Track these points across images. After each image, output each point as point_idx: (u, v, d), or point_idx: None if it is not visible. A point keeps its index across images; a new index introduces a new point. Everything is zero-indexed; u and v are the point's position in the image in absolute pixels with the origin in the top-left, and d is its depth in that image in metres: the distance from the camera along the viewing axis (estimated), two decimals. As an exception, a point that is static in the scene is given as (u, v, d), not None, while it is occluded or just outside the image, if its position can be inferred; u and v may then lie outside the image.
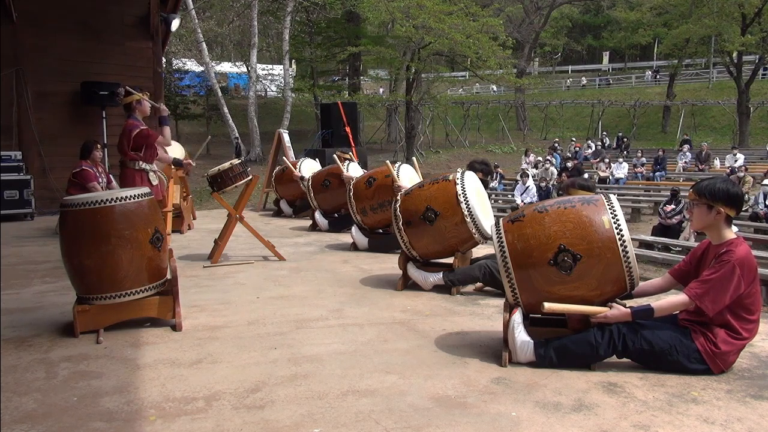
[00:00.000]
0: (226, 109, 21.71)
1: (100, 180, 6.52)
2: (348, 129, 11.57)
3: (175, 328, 3.42)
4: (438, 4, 20.49)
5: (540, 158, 20.46)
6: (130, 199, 3.27)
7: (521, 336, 2.86)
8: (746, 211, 11.83)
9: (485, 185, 4.74)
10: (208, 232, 7.05)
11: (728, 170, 16.08)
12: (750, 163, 18.28)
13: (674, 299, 2.74)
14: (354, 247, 6.08)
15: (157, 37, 10.14)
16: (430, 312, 3.83)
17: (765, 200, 11.94)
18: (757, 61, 27.03)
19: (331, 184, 7.30)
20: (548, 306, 2.74)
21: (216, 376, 2.76)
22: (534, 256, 2.82)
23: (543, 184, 15.52)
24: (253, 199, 9.72)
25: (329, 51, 26.71)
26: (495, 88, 39.94)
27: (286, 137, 10.38)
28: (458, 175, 4.32)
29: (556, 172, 16.80)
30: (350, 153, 8.81)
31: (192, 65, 27.76)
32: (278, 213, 9.20)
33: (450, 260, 4.41)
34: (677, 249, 10.32)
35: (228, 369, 2.84)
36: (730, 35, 24.17)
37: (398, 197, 4.46)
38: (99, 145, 6.84)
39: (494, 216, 4.38)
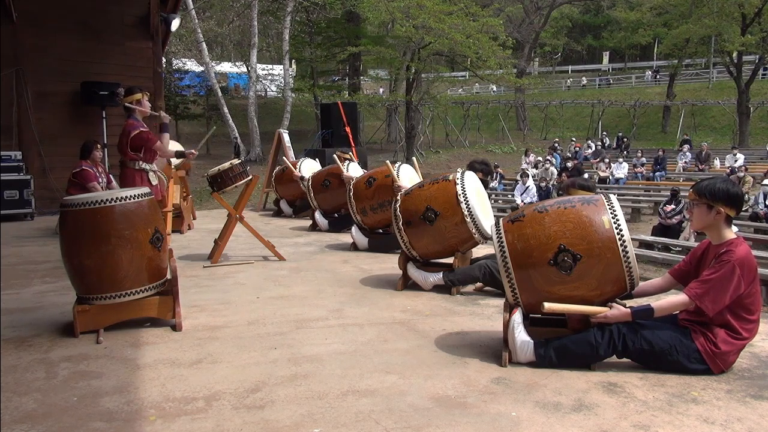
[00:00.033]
0: (226, 109, 21.72)
1: (100, 180, 6.52)
2: (348, 129, 11.57)
3: (175, 328, 3.42)
4: (438, 4, 20.49)
5: (540, 158, 20.46)
6: (130, 199, 3.27)
7: (521, 336, 2.86)
8: (746, 211, 11.83)
9: (485, 185, 4.74)
10: (208, 232, 7.05)
11: (728, 170, 16.09)
12: (750, 163, 18.28)
13: (674, 299, 2.74)
14: (354, 247, 6.08)
15: (157, 37, 10.14)
16: (430, 312, 3.83)
17: (765, 200, 11.95)
18: (757, 61, 27.03)
19: (331, 184, 7.30)
20: (548, 306, 2.74)
21: (216, 376, 2.76)
22: (534, 256, 2.82)
23: (543, 184, 15.52)
24: (253, 199, 9.73)
25: (329, 51, 26.73)
26: (495, 88, 39.95)
27: (286, 137, 10.38)
28: (458, 175, 4.32)
29: (556, 172, 16.80)
30: (350, 153, 8.81)
31: (192, 65, 27.78)
32: (278, 213, 9.20)
33: (450, 260, 4.41)
34: (677, 249, 10.32)
35: (228, 369, 2.84)
36: (730, 35, 24.18)
37: (398, 197, 4.46)
38: (99, 145, 6.84)
39: (494, 216, 4.38)
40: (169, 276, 3.57)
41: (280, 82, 27.50)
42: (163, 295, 3.49)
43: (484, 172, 4.90)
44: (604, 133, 27.92)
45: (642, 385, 2.63)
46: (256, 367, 2.86)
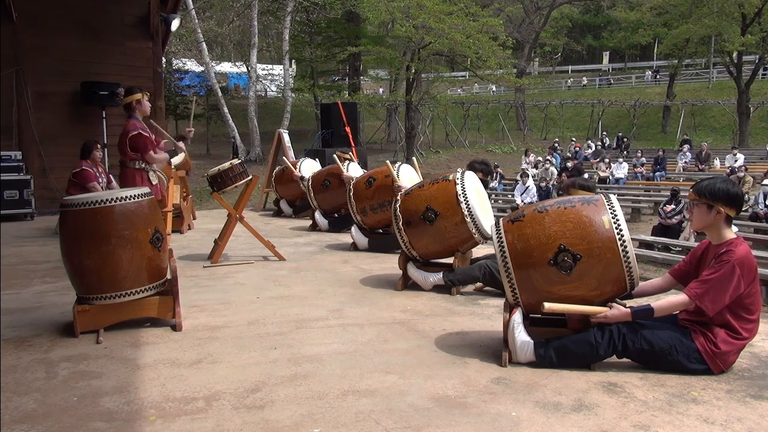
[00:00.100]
0: (226, 109, 21.73)
1: (100, 180, 6.52)
2: (348, 129, 11.57)
3: (175, 328, 3.42)
4: (438, 4, 20.49)
5: (540, 158, 20.46)
6: (130, 199, 3.27)
7: (521, 336, 2.86)
8: (746, 211, 11.83)
9: (485, 185, 4.74)
10: (208, 232, 7.05)
11: (728, 170, 16.09)
12: (750, 163, 18.28)
13: (674, 299, 2.74)
14: (354, 247, 6.08)
15: (157, 37, 10.14)
16: (430, 312, 3.83)
17: (765, 200, 11.94)
18: (757, 61, 27.04)
19: (331, 184, 7.30)
20: (548, 306, 2.74)
21: (216, 376, 2.76)
22: (534, 256, 2.82)
23: (543, 184, 15.52)
24: (253, 199, 9.72)
25: (329, 51, 26.73)
26: (495, 88, 39.95)
27: (286, 137, 10.38)
28: (458, 175, 4.32)
29: (556, 172, 16.79)
30: (350, 153, 8.81)
31: (192, 65, 27.78)
32: (278, 213, 9.20)
33: (450, 260, 4.40)
34: (677, 249, 10.32)
35: (228, 369, 2.84)
36: (730, 35, 24.18)
37: (398, 197, 4.46)
38: (99, 145, 6.84)
39: (494, 216, 4.38)
40: (169, 276, 3.57)
41: (280, 82, 27.50)
42: (163, 295, 3.49)
43: (484, 172, 4.90)
44: (604, 133, 27.92)
45: (642, 385, 2.63)
46: (256, 367, 2.86)
